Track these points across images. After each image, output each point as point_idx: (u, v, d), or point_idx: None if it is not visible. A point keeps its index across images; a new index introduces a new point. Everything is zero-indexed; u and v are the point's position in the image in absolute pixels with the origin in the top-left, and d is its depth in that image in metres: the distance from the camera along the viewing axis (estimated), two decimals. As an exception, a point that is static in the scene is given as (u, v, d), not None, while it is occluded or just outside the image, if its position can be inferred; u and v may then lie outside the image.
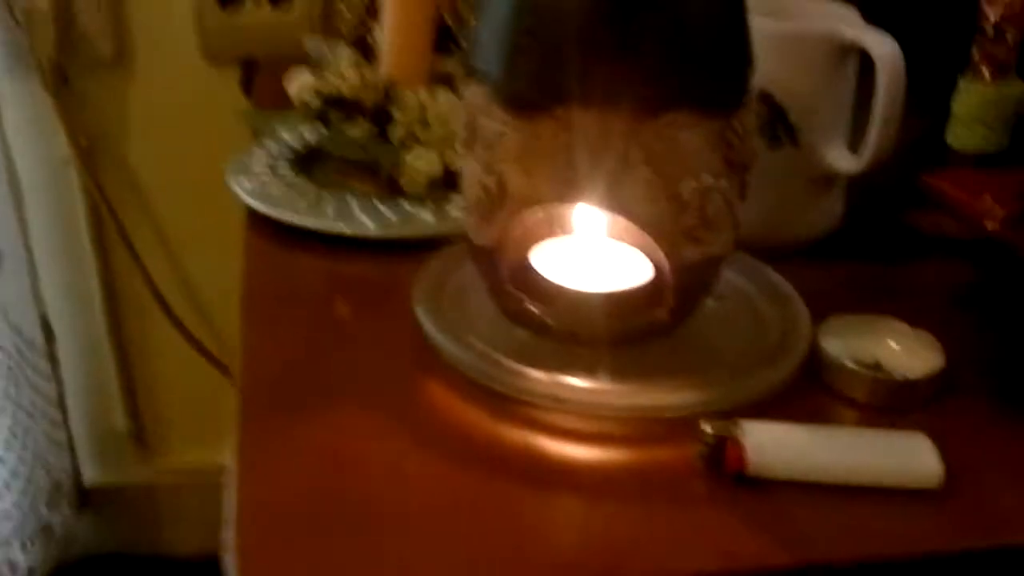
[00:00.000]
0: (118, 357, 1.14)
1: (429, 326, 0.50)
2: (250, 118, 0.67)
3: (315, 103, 0.65)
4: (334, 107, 0.65)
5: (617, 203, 0.44)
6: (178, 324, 1.09)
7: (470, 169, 0.47)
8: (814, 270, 0.57)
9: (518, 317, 0.49)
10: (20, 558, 1.10)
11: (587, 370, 0.46)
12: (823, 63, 0.56)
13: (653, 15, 0.41)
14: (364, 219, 0.61)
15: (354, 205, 0.62)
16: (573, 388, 0.45)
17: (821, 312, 0.51)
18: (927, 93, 0.63)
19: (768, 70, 0.55)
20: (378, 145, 0.63)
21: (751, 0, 0.49)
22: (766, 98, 0.57)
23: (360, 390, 0.48)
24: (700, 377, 0.46)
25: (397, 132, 0.63)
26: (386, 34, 0.66)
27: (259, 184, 0.65)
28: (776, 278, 0.54)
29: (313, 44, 0.82)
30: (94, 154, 1.02)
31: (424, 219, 0.61)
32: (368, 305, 0.57)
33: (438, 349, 0.49)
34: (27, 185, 1.01)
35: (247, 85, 1.00)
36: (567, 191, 0.44)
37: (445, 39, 0.77)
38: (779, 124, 0.57)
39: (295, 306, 0.57)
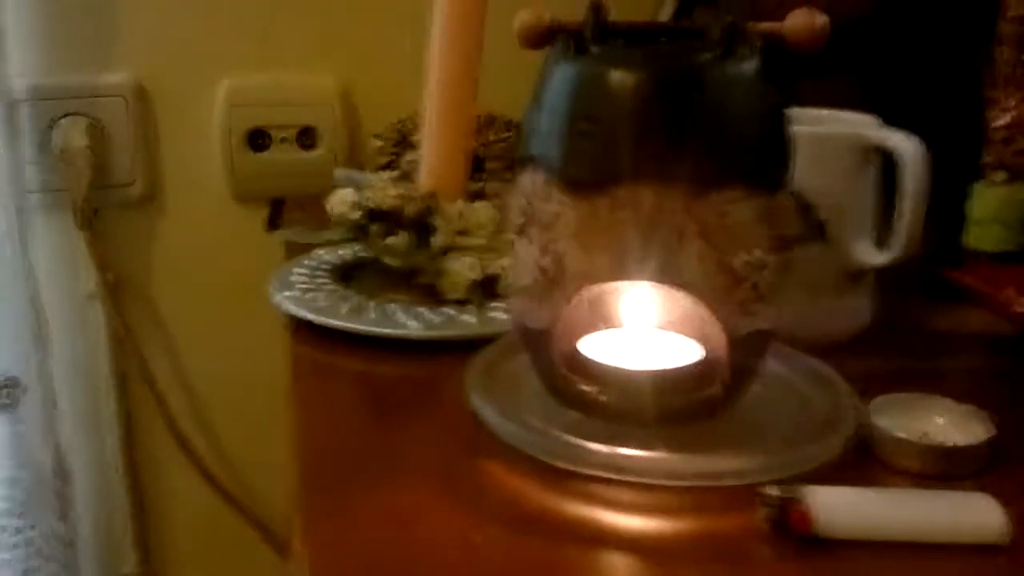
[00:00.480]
0: (133, 499, 1.13)
1: (482, 406, 0.51)
2: (290, 233, 0.69)
3: (355, 215, 0.67)
4: (374, 220, 0.67)
5: (673, 276, 0.46)
6: (197, 463, 1.08)
7: (524, 254, 0.49)
8: (850, 361, 0.58)
9: (571, 399, 0.50)
10: None
11: (642, 445, 0.47)
12: (849, 163, 0.59)
13: (703, 101, 0.44)
14: (408, 321, 0.62)
15: (396, 311, 0.64)
16: (631, 458, 0.46)
17: (863, 394, 0.52)
18: (940, 199, 0.67)
19: (798, 171, 0.59)
20: (419, 253, 0.65)
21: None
22: (796, 196, 0.59)
23: (417, 472, 0.49)
24: (755, 448, 0.47)
25: (439, 240, 0.65)
26: (426, 148, 0.69)
27: (301, 293, 0.66)
28: (816, 363, 0.56)
29: (341, 173, 0.85)
30: (120, 290, 1.04)
31: (466, 321, 0.63)
32: (417, 400, 0.58)
33: (493, 428, 0.50)
34: (53, 321, 1.03)
35: (274, 222, 1.03)
36: (624, 267, 0.46)
37: (474, 166, 0.81)
38: (809, 220, 0.60)
39: (345, 406, 0.57)
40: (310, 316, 0.64)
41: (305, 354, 0.63)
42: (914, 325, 0.65)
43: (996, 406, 0.51)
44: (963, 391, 0.53)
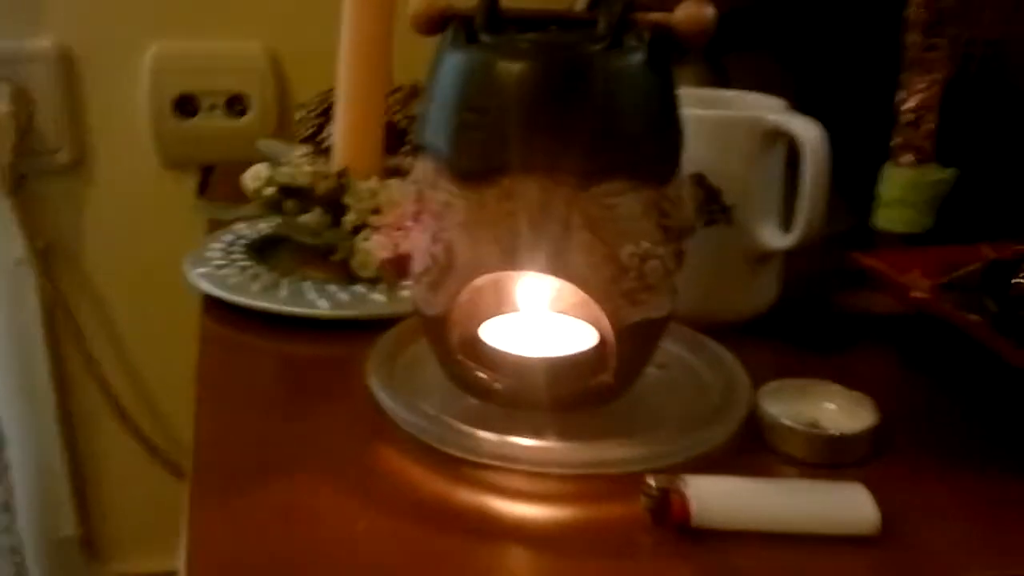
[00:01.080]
0: (69, 461, 1.13)
1: (381, 394, 0.51)
2: (205, 209, 0.69)
3: (269, 192, 0.67)
4: (289, 196, 0.67)
5: (560, 267, 0.46)
6: (132, 426, 1.08)
7: (418, 241, 0.49)
8: (750, 345, 0.59)
9: (467, 385, 0.51)
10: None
11: (535, 433, 0.48)
12: (752, 147, 0.59)
13: (589, 93, 0.44)
14: (318, 300, 0.62)
15: (308, 289, 0.64)
16: (522, 447, 0.47)
17: (759, 380, 0.53)
18: (853, 183, 0.67)
19: (702, 155, 0.59)
20: (331, 231, 0.65)
21: (688, 93, 0.53)
22: (700, 180, 0.60)
23: (314, 458, 0.49)
24: (645, 436, 0.48)
25: (350, 218, 0.65)
26: (339, 123, 0.69)
27: (214, 270, 0.66)
28: (716, 346, 0.57)
29: (266, 144, 0.84)
30: (50, 256, 1.03)
31: (375, 300, 0.63)
32: (322, 382, 0.58)
33: (390, 415, 0.50)
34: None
35: (204, 189, 1.03)
36: (512, 257, 0.46)
37: (396, 139, 0.80)
38: (714, 204, 0.60)
39: (249, 385, 0.58)
40: (220, 293, 0.63)
41: (215, 331, 0.63)
42: (818, 307, 0.65)
43: (887, 393, 0.52)
44: (858, 376, 0.54)
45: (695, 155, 0.58)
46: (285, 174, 0.67)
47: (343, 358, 0.59)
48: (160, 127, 1.00)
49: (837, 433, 0.49)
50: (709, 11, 0.46)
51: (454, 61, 0.46)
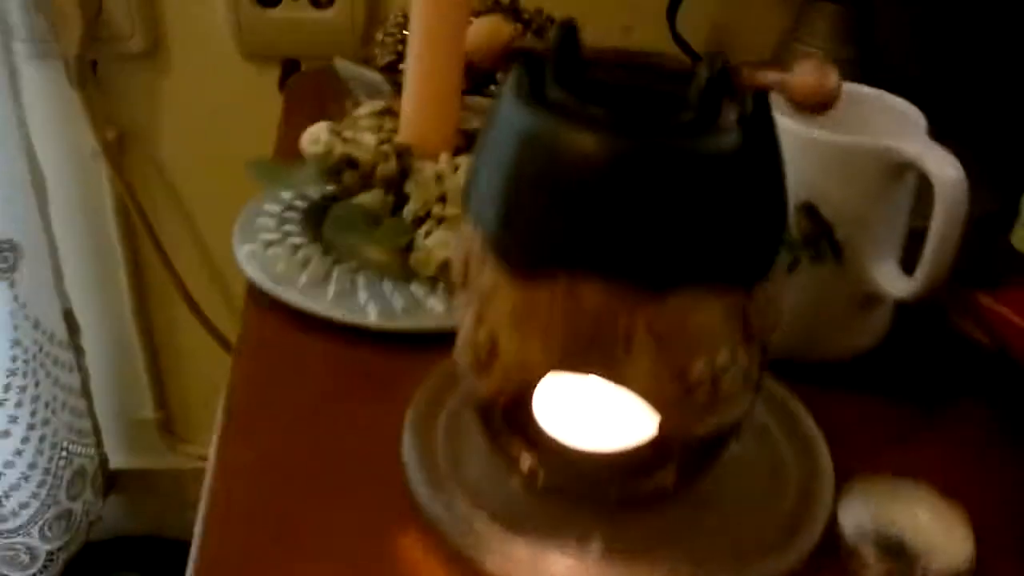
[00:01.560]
0: (146, 348, 1.13)
1: (414, 473, 0.46)
2: (258, 171, 0.63)
3: (327, 162, 0.60)
4: (350, 166, 0.60)
5: (617, 379, 0.39)
6: (203, 319, 1.06)
7: (462, 312, 0.43)
8: (842, 399, 0.53)
9: (510, 465, 0.45)
10: (39, 544, 1.11)
11: (580, 536, 0.42)
12: (876, 179, 0.50)
13: (669, 185, 0.36)
14: (367, 304, 0.57)
15: (360, 286, 0.58)
16: (553, 565, 0.41)
17: (847, 443, 0.48)
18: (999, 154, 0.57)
19: (814, 182, 0.51)
20: (391, 220, 0.58)
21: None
22: (810, 211, 0.51)
23: (337, 536, 0.45)
24: (701, 552, 0.42)
25: (411, 207, 0.58)
26: (407, 92, 0.61)
27: (262, 249, 0.61)
28: (800, 415, 0.50)
29: (343, 66, 0.77)
30: (124, 148, 0.99)
31: (432, 308, 0.57)
32: (365, 400, 0.53)
33: (418, 501, 0.45)
34: (52, 178, 0.99)
35: (284, 84, 0.96)
36: (563, 363, 0.40)
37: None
38: (824, 239, 0.52)
39: (284, 400, 0.53)
40: (266, 284, 0.58)
41: (257, 322, 0.59)
42: (926, 355, 0.57)
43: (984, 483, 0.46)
44: (949, 463, 0.47)
45: (808, 180, 0.50)
46: (345, 144, 0.60)
47: (392, 368, 0.54)
48: (239, 16, 0.93)
49: (924, 569, 0.42)
50: (832, 79, 0.37)
51: (513, 120, 0.38)
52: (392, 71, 0.75)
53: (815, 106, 0.37)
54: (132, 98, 0.97)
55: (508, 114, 0.39)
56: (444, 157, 0.60)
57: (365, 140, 0.60)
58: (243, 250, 0.61)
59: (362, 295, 0.57)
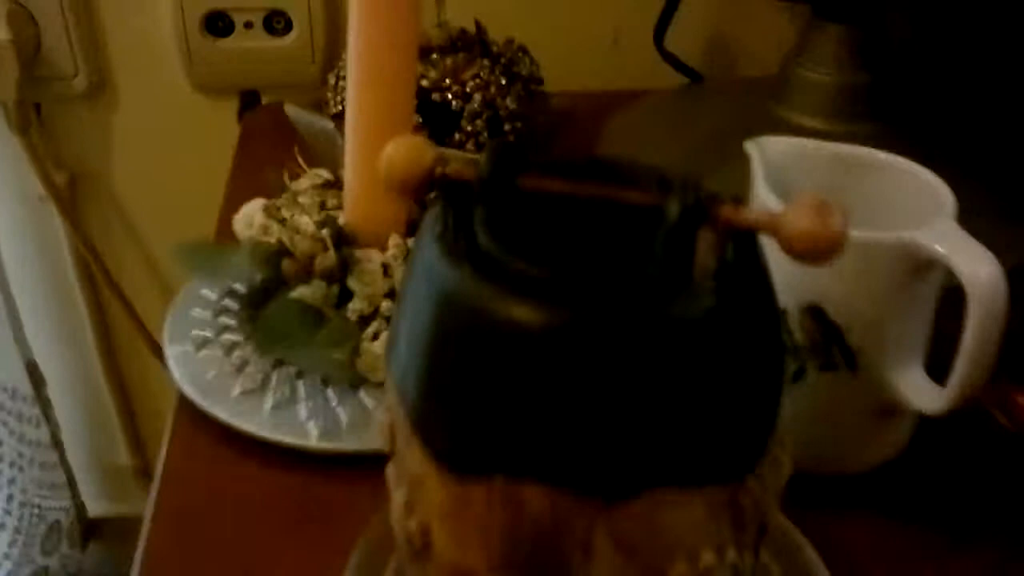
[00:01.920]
0: (116, 395, 1.06)
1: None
2: (188, 258, 0.55)
3: (262, 251, 0.53)
4: (286, 255, 0.53)
5: (576, 592, 0.32)
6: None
7: (393, 485, 0.35)
8: (855, 527, 0.45)
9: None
10: (17, 603, 1.05)
11: None
12: (895, 277, 0.42)
13: (622, 371, 0.28)
14: (308, 420, 0.49)
15: (300, 394, 0.51)
16: None
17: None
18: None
19: (820, 280, 0.43)
20: (334, 322, 0.51)
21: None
22: (816, 313, 0.44)
23: None
24: None
25: (355, 307, 0.50)
26: (348, 159, 0.53)
27: (194, 350, 0.53)
28: (813, 566, 0.42)
29: (295, 113, 0.69)
30: (76, 190, 0.92)
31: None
32: (303, 543, 0.46)
33: None
34: (3, 227, 0.92)
35: (243, 116, 0.89)
36: (507, 570, 0.32)
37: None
38: (834, 345, 0.44)
39: (209, 535, 0.47)
40: (195, 397, 0.51)
41: (186, 440, 0.52)
42: (953, 473, 0.49)
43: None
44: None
45: (812, 278, 0.42)
46: (281, 228, 0.52)
47: (336, 504, 0.47)
48: (188, 47, 0.85)
49: None
50: (835, 223, 0.29)
51: (433, 277, 0.30)
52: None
53: (814, 256, 0.29)
54: (81, 139, 0.90)
55: (428, 268, 0.31)
56: (393, 242, 0.52)
57: (303, 225, 0.52)
58: (173, 352, 0.54)
59: (303, 408, 0.50)
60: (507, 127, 0.66)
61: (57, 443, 1.04)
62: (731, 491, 0.31)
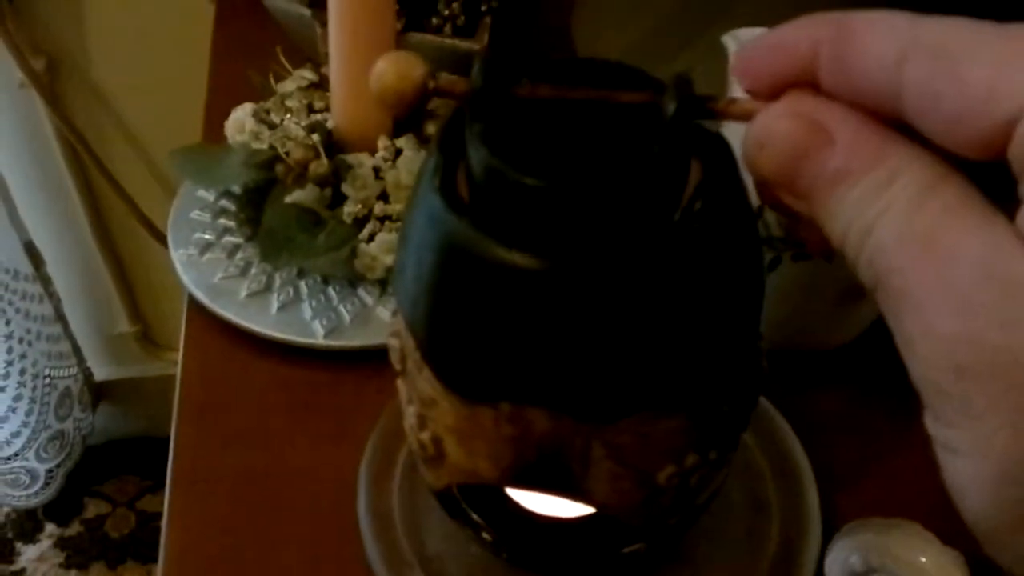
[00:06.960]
0: (113, 268, 1.09)
1: (373, 554, 0.43)
2: (182, 164, 0.57)
3: (255, 158, 0.54)
4: (279, 160, 0.54)
5: (577, 495, 0.36)
6: (162, 237, 1.02)
7: (404, 399, 0.39)
8: (828, 393, 0.49)
9: (469, 533, 0.42)
10: (37, 465, 1.11)
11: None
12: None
13: (621, 301, 0.31)
14: (313, 320, 0.52)
15: (304, 293, 0.54)
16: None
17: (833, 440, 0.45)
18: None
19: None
20: (331, 224, 0.53)
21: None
22: (790, 208, 0.46)
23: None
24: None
25: (349, 210, 0.53)
26: (333, 62, 0.54)
27: (198, 253, 0.56)
28: (790, 441, 0.46)
29: (273, 3, 0.69)
30: (56, 75, 0.92)
31: (382, 316, 0.53)
32: (312, 433, 0.50)
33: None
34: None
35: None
36: (516, 481, 0.36)
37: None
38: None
39: (232, 437, 0.51)
40: (204, 300, 0.54)
41: (200, 340, 0.55)
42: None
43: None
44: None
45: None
46: (272, 133, 0.54)
47: (341, 387, 0.51)
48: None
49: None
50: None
51: (437, 230, 0.32)
52: (321, 6, 0.67)
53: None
54: (57, 24, 0.89)
55: (431, 217, 0.33)
56: (382, 143, 0.54)
57: (292, 131, 0.54)
58: (179, 255, 0.56)
59: (307, 308, 0.53)
60: (483, 7, 0.66)
61: (60, 316, 1.08)
62: (709, 410, 0.35)
